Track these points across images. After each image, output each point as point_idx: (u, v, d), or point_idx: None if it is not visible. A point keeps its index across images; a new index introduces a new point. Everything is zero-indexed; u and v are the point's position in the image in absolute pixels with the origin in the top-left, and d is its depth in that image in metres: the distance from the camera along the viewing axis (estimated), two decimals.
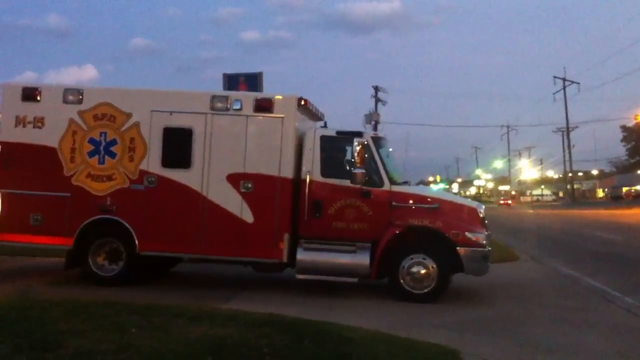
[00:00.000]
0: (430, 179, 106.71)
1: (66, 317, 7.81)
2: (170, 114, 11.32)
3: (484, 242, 10.88)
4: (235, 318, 8.23)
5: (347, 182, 10.91)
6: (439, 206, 11.11)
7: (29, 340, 6.68)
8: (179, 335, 7.19)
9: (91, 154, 11.34)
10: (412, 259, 10.77)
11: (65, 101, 11.46)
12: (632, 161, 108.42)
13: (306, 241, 11.02)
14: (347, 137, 11.22)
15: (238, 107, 11.21)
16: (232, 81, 19.96)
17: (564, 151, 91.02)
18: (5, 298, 9.09)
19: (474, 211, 11.31)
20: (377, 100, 58.30)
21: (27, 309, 8.26)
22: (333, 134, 11.48)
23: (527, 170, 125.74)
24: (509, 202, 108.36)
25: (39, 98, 11.52)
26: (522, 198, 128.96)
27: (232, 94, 12.33)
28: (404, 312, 9.89)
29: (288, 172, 11.04)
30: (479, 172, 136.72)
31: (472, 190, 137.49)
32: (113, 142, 11.33)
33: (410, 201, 11.10)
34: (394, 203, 10.98)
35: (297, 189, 11.09)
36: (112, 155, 11.31)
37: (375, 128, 41.95)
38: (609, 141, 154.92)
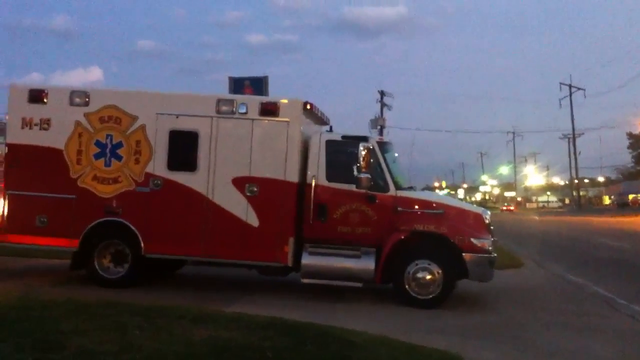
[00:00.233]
0: (436, 184, 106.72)
1: (69, 317, 7.84)
2: (176, 117, 11.35)
3: (490, 248, 10.85)
4: (238, 321, 8.24)
5: (352, 187, 10.91)
6: (444, 211, 11.09)
7: (32, 340, 6.70)
8: (181, 337, 7.20)
9: (97, 156, 11.37)
10: (417, 264, 10.75)
11: (71, 103, 11.49)
12: (639, 168, 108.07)
13: (311, 245, 11.02)
14: (352, 141, 11.22)
15: (244, 110, 11.23)
16: (238, 85, 20.05)
17: (569, 158, 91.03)
18: (9, 298, 9.12)
19: (479, 217, 11.29)
20: (383, 104, 58.38)
21: (30, 308, 8.30)
22: (338, 138, 11.48)
23: (533, 176, 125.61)
24: (511, 208, 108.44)
25: (45, 100, 11.56)
26: (527, 204, 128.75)
27: (238, 97, 12.35)
28: (407, 317, 9.88)
29: (293, 176, 11.05)
30: (484, 177, 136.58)
31: (478, 196, 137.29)
32: (119, 145, 11.36)
33: (416, 206, 11.09)
34: (399, 208, 10.97)
35: (302, 193, 11.09)
36: (118, 157, 11.34)
37: (380, 132, 42.07)
38: (615, 148, 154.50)
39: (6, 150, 11.63)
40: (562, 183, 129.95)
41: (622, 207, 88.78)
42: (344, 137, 11.47)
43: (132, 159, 11.32)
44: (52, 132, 11.46)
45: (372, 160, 10.84)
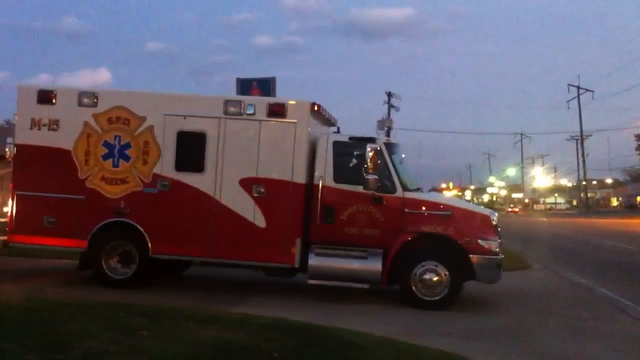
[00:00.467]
0: (443, 185, 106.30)
1: (76, 318, 7.85)
2: (184, 118, 11.37)
3: (497, 249, 10.84)
4: (244, 322, 8.24)
5: (359, 188, 10.90)
6: (451, 213, 11.08)
7: (39, 341, 6.71)
8: (188, 338, 7.20)
9: (105, 157, 11.40)
10: (424, 266, 10.74)
11: (80, 104, 11.53)
12: None
13: (318, 246, 11.02)
14: (360, 142, 11.22)
15: (251, 111, 11.24)
16: (245, 86, 20.00)
17: (577, 159, 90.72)
18: (17, 298, 9.14)
19: (486, 218, 11.27)
20: (390, 106, 58.34)
21: (37, 309, 8.31)
22: (346, 139, 11.48)
23: (541, 178, 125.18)
24: (516, 209, 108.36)
25: (54, 101, 11.59)
26: (535, 206, 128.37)
27: (246, 98, 12.36)
28: (414, 319, 9.87)
29: (300, 177, 11.06)
30: (492, 179, 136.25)
31: (485, 198, 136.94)
32: (127, 146, 11.39)
33: (423, 208, 11.07)
34: (406, 209, 10.96)
35: (310, 194, 11.10)
36: (126, 158, 11.37)
37: (388, 134, 41.90)
38: (623, 150, 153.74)
39: (15, 151, 11.67)
40: (569, 185, 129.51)
41: (630, 208, 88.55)
42: (351, 138, 11.47)
43: (140, 159, 11.34)
44: (60, 132, 11.50)
45: (379, 161, 10.83)
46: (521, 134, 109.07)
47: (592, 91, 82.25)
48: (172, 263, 12.03)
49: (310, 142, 11.26)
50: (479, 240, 10.74)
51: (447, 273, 10.68)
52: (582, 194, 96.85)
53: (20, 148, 11.63)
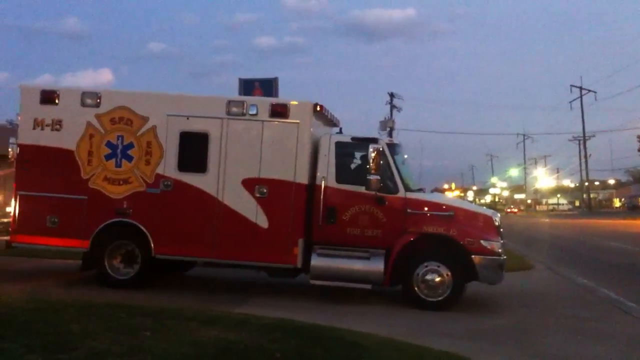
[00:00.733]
0: (446, 186, 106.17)
1: (79, 318, 7.85)
2: (187, 119, 11.39)
3: (499, 250, 10.83)
4: (247, 322, 8.25)
5: (361, 189, 10.91)
6: (453, 214, 11.07)
7: (42, 340, 6.72)
8: (190, 339, 7.20)
9: (108, 157, 11.42)
10: (426, 266, 10.74)
11: (83, 104, 11.55)
12: None
13: (320, 247, 11.03)
14: (362, 143, 11.23)
15: (254, 112, 11.25)
16: (248, 86, 20.04)
17: (580, 160, 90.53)
18: (19, 299, 9.15)
19: (489, 219, 11.26)
20: (392, 106, 58.35)
21: (40, 309, 8.32)
22: (348, 140, 11.49)
23: (543, 178, 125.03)
24: (515, 210, 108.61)
25: (57, 101, 11.61)
26: (537, 207, 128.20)
27: (248, 99, 12.36)
28: (417, 320, 9.87)
29: (303, 178, 11.06)
30: (494, 180, 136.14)
31: (488, 199, 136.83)
32: (130, 146, 11.40)
33: (425, 208, 11.07)
34: (408, 210, 10.97)
35: (312, 194, 11.10)
36: (129, 158, 11.39)
37: (390, 135, 41.85)
38: (625, 150, 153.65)
39: (18, 151, 11.69)
40: (572, 185, 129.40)
41: (632, 209, 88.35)
42: (353, 138, 11.47)
43: (143, 160, 11.36)
44: (63, 133, 11.52)
45: (381, 162, 10.83)
46: (524, 135, 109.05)
47: (595, 92, 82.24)
48: (175, 263, 12.03)
49: (313, 143, 11.27)
50: (482, 241, 10.74)
51: (449, 274, 10.68)
52: (584, 195, 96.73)
53: (23, 148, 11.66)
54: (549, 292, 13.51)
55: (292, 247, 10.95)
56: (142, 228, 11.20)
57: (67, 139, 11.49)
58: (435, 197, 12.15)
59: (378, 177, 10.71)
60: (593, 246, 26.77)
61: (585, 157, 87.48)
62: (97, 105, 11.51)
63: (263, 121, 11.23)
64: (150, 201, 11.27)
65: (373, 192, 10.86)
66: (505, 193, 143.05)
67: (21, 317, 7.85)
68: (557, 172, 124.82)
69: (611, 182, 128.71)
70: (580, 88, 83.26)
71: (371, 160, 10.68)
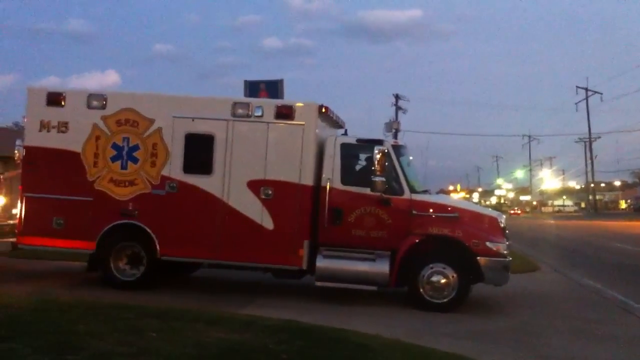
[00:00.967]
0: (451, 187, 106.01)
1: (85, 319, 7.88)
2: (192, 120, 11.41)
3: (505, 251, 10.82)
4: (252, 323, 8.26)
5: (367, 190, 10.91)
6: (459, 215, 11.07)
7: (49, 341, 6.75)
8: (196, 340, 7.22)
9: (114, 159, 11.45)
10: (432, 268, 10.74)
11: (89, 106, 11.58)
12: None
13: (325, 248, 11.03)
14: (367, 144, 11.23)
15: (259, 113, 11.26)
16: (253, 88, 20.05)
17: (586, 161, 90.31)
18: (26, 300, 9.18)
19: (494, 220, 11.26)
20: (398, 108, 58.32)
21: (46, 310, 8.35)
22: (353, 141, 11.49)
23: (549, 180, 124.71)
24: (518, 212, 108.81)
25: (63, 103, 11.64)
26: (543, 208, 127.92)
27: (254, 100, 12.37)
28: (422, 321, 9.87)
29: (308, 179, 11.07)
30: (499, 181, 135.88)
31: (493, 200, 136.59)
32: (135, 148, 11.43)
33: (431, 210, 11.07)
34: (414, 211, 10.96)
35: (317, 196, 11.11)
36: (135, 160, 11.41)
37: (395, 136, 41.92)
38: (631, 152, 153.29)
39: (24, 153, 11.73)
40: (578, 187, 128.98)
41: (638, 211, 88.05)
42: (358, 140, 11.48)
43: (149, 161, 11.38)
44: (69, 134, 11.56)
45: (386, 163, 10.83)
46: (529, 136, 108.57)
47: (601, 93, 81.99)
48: (180, 265, 12.05)
49: (318, 144, 11.27)
50: (487, 243, 10.73)
51: (454, 275, 10.68)
52: (590, 197, 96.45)
53: (30, 150, 11.68)
54: (554, 294, 13.51)
55: (297, 249, 10.95)
56: (148, 230, 11.22)
57: (73, 141, 11.52)
58: (440, 199, 12.16)
59: (383, 179, 10.71)
60: (598, 247, 26.71)
61: (591, 158, 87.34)
62: (103, 107, 11.54)
63: (268, 123, 11.24)
64: (156, 203, 11.29)
65: (378, 194, 10.86)
66: (511, 194, 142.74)
67: (28, 318, 7.89)
68: (563, 173, 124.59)
69: (617, 183, 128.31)
70: (586, 89, 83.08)
71: (376, 162, 10.68)
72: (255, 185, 11.14)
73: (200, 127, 11.40)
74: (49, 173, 11.56)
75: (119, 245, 11.40)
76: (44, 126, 11.59)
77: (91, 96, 11.66)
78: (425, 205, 11.09)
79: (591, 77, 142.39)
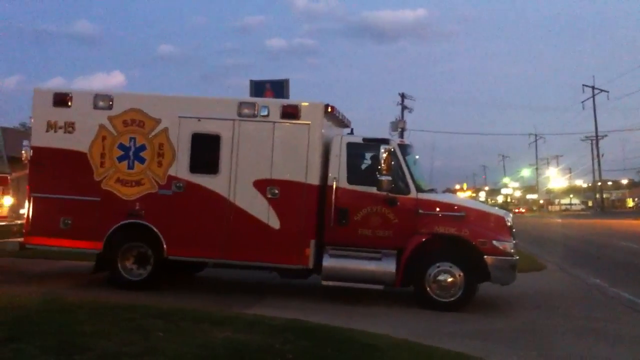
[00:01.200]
0: (457, 186, 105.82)
1: (92, 319, 7.91)
2: (199, 120, 11.42)
3: (511, 250, 10.80)
4: (258, 323, 8.27)
5: (373, 189, 10.91)
6: (465, 214, 11.05)
7: (56, 341, 6.78)
8: (202, 340, 7.24)
9: (120, 159, 11.47)
10: (438, 267, 10.73)
11: (95, 107, 11.61)
12: None
13: (332, 248, 11.03)
14: (373, 144, 11.22)
15: (265, 113, 11.27)
16: (259, 88, 20.10)
17: (592, 160, 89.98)
18: (34, 300, 9.21)
19: (501, 219, 11.23)
20: (404, 107, 58.26)
21: (54, 311, 8.38)
22: (359, 140, 11.49)
23: (556, 179, 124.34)
24: (523, 210, 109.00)
25: (69, 103, 11.68)
26: (550, 207, 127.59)
27: (259, 100, 12.39)
28: (428, 320, 9.86)
29: (314, 179, 11.07)
30: (506, 180, 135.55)
31: (500, 199, 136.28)
32: (142, 148, 11.45)
33: (437, 209, 11.05)
34: (420, 210, 10.95)
35: (323, 195, 11.10)
36: (141, 160, 11.44)
37: (401, 135, 41.89)
38: (638, 150, 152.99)
39: (31, 153, 11.77)
40: (584, 185, 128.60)
41: None
42: (364, 139, 11.47)
43: (155, 161, 11.40)
44: (76, 135, 11.59)
45: (393, 162, 10.83)
46: (535, 135, 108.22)
47: (607, 91, 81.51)
48: (187, 264, 12.07)
49: (324, 144, 11.27)
50: (494, 241, 10.71)
51: (461, 274, 10.66)
52: (597, 195, 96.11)
53: (37, 150, 11.72)
54: (561, 293, 13.47)
55: (303, 248, 10.95)
56: (155, 229, 11.25)
57: (79, 141, 11.55)
58: (446, 198, 12.14)
59: (389, 178, 10.71)
60: (605, 246, 26.61)
61: (598, 157, 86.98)
62: (110, 107, 11.57)
63: (274, 122, 11.25)
64: (163, 203, 11.31)
65: (384, 193, 10.86)
66: (518, 193, 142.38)
67: (34, 319, 7.91)
68: (570, 172, 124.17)
69: (624, 182, 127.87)
70: (593, 87, 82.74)
71: (382, 161, 10.68)
72: (261, 185, 11.15)
73: (207, 127, 11.41)
74: (56, 173, 11.59)
75: (126, 245, 11.42)
76: (51, 127, 11.63)
77: (97, 96, 11.69)
78: (432, 204, 11.08)
79: (598, 76, 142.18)
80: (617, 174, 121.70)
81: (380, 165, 10.72)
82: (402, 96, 58.64)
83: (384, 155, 10.67)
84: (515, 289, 11.86)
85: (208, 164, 11.33)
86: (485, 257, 10.61)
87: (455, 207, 11.25)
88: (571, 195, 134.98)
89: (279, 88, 20.04)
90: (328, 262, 10.90)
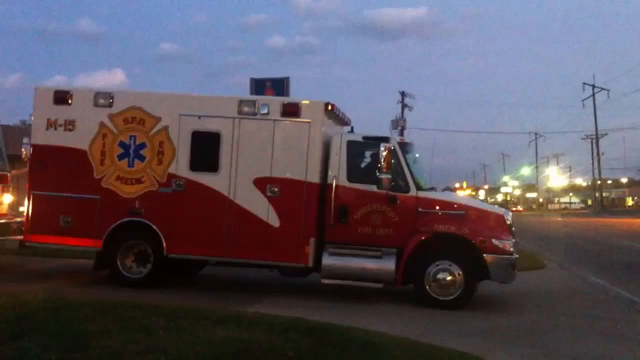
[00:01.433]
0: (457, 185, 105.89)
1: (94, 317, 7.92)
2: (199, 118, 11.43)
3: (511, 249, 10.80)
4: (260, 322, 8.27)
5: (373, 188, 10.91)
6: (465, 213, 11.07)
7: (58, 340, 6.78)
8: (204, 338, 7.25)
9: (121, 157, 11.47)
10: (438, 265, 10.73)
11: (96, 104, 11.61)
12: None
13: (332, 246, 11.04)
14: (373, 142, 11.22)
15: (265, 111, 11.27)
16: (259, 86, 20.09)
17: (592, 159, 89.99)
18: (34, 298, 9.21)
19: (500, 218, 11.24)
20: (404, 105, 58.25)
21: (55, 309, 8.38)
22: (360, 139, 11.49)
23: (555, 177, 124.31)
24: (520, 209, 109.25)
25: (70, 101, 11.68)
26: (550, 206, 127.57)
27: (260, 98, 12.40)
28: (429, 319, 9.87)
29: (314, 177, 11.08)
30: (506, 179, 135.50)
31: (499, 197, 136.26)
32: (142, 146, 11.45)
33: (437, 207, 11.06)
34: (420, 209, 10.96)
35: (324, 193, 11.11)
36: (142, 158, 11.44)
37: (401, 133, 41.80)
38: (638, 149, 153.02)
39: (31, 151, 11.77)
40: (584, 184, 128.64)
41: None
42: (365, 137, 11.47)
43: (155, 159, 11.40)
44: (76, 133, 11.59)
45: (393, 161, 10.83)
46: (535, 133, 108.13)
47: (608, 90, 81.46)
48: (187, 262, 12.08)
49: (324, 142, 11.28)
50: (493, 240, 10.72)
51: (461, 273, 10.67)
52: (597, 194, 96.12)
53: (37, 148, 11.72)
54: (561, 291, 13.47)
55: (303, 246, 10.96)
56: (155, 227, 11.25)
57: (80, 139, 11.55)
58: (446, 196, 12.13)
59: (390, 176, 10.71)
60: (605, 245, 26.63)
61: (598, 155, 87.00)
62: (110, 105, 11.57)
63: (275, 120, 11.25)
64: (163, 201, 11.32)
65: (385, 191, 10.86)
66: (517, 192, 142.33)
67: (37, 317, 7.92)
68: (570, 170, 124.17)
69: (624, 180, 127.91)
70: (593, 86, 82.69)
71: (383, 159, 10.68)
72: (261, 183, 11.15)
73: (207, 125, 11.42)
74: (56, 171, 11.59)
75: (126, 243, 11.43)
76: (51, 124, 11.63)
77: (98, 94, 11.69)
78: (432, 202, 11.09)
79: (598, 74, 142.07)
80: (616, 173, 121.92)
81: (381, 164, 10.72)
82: (403, 94, 58.64)
83: (384, 153, 10.68)
84: (515, 287, 11.87)
85: (208, 162, 11.34)
86: (484, 255, 10.62)
87: (455, 206, 11.25)
88: (571, 194, 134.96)
89: (279, 86, 20.04)
90: (328, 261, 10.91)
